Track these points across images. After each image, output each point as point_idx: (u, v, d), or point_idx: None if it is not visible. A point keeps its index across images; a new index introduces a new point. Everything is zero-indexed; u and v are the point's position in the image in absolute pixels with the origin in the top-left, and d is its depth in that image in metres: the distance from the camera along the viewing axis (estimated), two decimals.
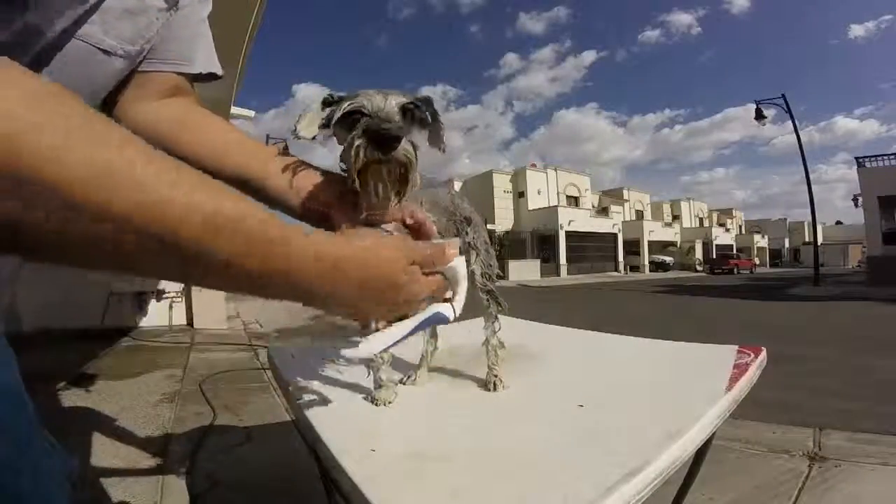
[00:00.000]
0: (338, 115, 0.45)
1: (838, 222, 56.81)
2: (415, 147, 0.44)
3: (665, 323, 7.05)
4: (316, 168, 0.50)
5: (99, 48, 0.39)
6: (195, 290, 4.97)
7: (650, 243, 33.43)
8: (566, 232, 27.15)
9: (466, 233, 0.75)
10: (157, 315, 5.30)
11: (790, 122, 16.33)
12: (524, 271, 22.90)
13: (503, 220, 29.10)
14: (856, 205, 16.74)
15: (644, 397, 0.69)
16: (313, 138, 0.46)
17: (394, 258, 0.37)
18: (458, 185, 28.41)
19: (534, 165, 32.69)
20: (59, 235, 0.22)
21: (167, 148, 0.49)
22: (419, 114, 0.47)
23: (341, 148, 0.46)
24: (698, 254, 37.08)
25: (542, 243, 27.57)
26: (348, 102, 0.45)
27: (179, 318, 5.42)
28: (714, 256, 34.11)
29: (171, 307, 5.38)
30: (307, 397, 0.71)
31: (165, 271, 0.27)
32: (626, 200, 37.93)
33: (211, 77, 0.54)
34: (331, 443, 0.56)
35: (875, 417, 2.29)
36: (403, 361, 0.86)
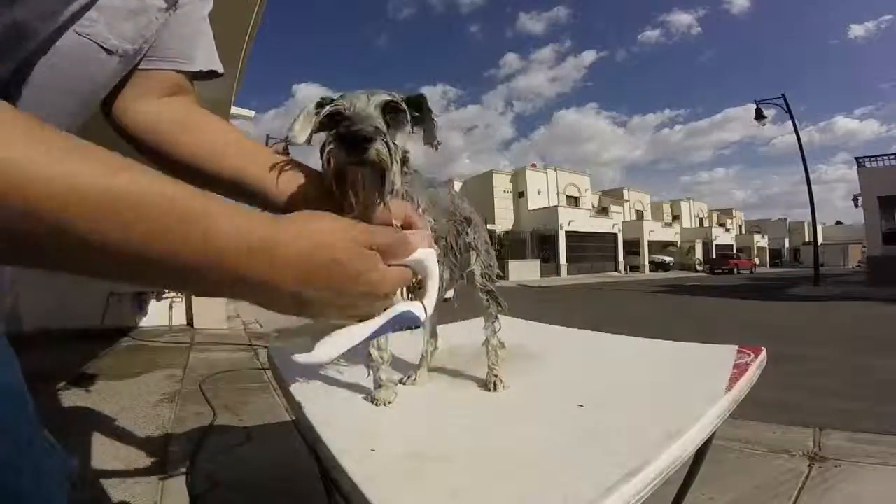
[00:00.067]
0: (319, 118, 0.44)
1: (838, 222, 56.85)
2: (391, 147, 0.41)
3: (665, 323, 7.05)
4: (305, 168, 0.49)
5: (103, 47, 0.39)
6: None
7: (650, 243, 33.44)
8: (566, 232, 27.16)
9: (467, 233, 0.75)
10: (157, 315, 5.31)
11: (790, 122, 16.34)
12: (524, 271, 22.91)
13: (503, 220, 29.10)
14: (856, 205, 16.75)
15: (644, 397, 0.69)
16: (307, 142, 0.45)
17: (347, 240, 0.32)
18: (458, 185, 28.43)
19: (534, 165, 32.71)
20: None
21: (167, 148, 0.49)
22: (403, 115, 0.45)
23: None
24: (698, 254, 37.09)
25: (542, 243, 27.57)
26: (330, 105, 0.44)
27: (179, 318, 5.43)
28: (714, 256, 34.11)
29: (171, 307, 5.39)
30: (307, 397, 0.71)
31: (58, 260, 0.24)
32: (626, 200, 37.93)
33: (212, 75, 0.54)
34: (331, 443, 0.56)
35: (875, 417, 2.29)
36: (403, 361, 0.87)
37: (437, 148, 0.49)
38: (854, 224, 41.28)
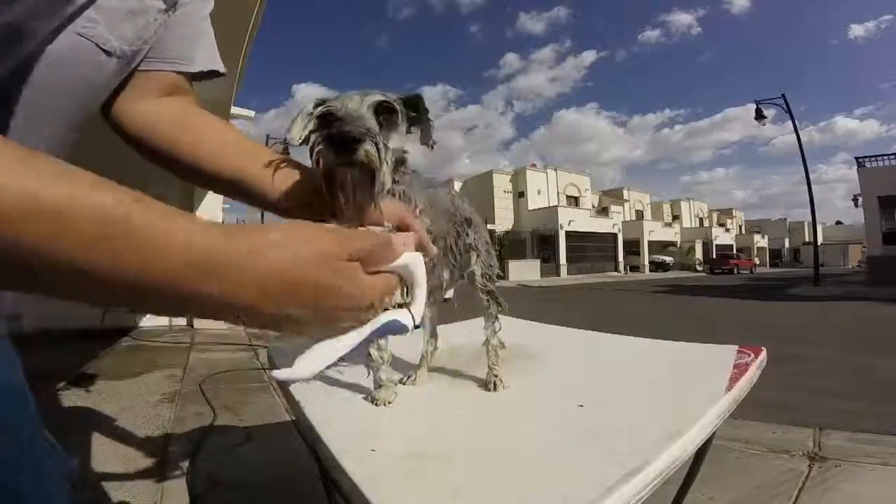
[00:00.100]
0: (313, 120, 0.44)
1: (838, 222, 56.86)
2: (380, 148, 0.41)
3: (665, 323, 7.05)
4: (302, 167, 0.48)
5: (103, 49, 0.39)
6: None
7: (650, 243, 33.44)
8: (566, 232, 27.16)
9: (467, 234, 0.75)
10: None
11: (790, 122, 16.34)
12: (524, 271, 22.91)
13: (503, 220, 29.11)
14: (856, 205, 16.75)
15: (644, 397, 0.70)
16: (303, 143, 0.45)
17: (317, 253, 0.29)
18: (458, 185, 28.44)
19: (534, 165, 32.72)
20: None
21: (166, 148, 0.49)
22: (397, 115, 0.45)
23: None
24: (698, 254, 37.09)
25: (542, 243, 27.57)
26: (323, 106, 0.44)
27: (179, 317, 5.42)
28: (714, 256, 34.12)
29: None
30: (307, 397, 0.71)
31: None
32: (626, 200, 37.95)
33: (213, 75, 0.54)
34: (331, 443, 0.56)
35: (875, 417, 2.29)
36: (403, 361, 0.87)
37: (432, 148, 0.48)
38: (854, 224, 41.30)
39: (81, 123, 0.43)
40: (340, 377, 0.81)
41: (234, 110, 5.27)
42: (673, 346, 0.96)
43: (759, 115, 16.49)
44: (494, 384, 0.75)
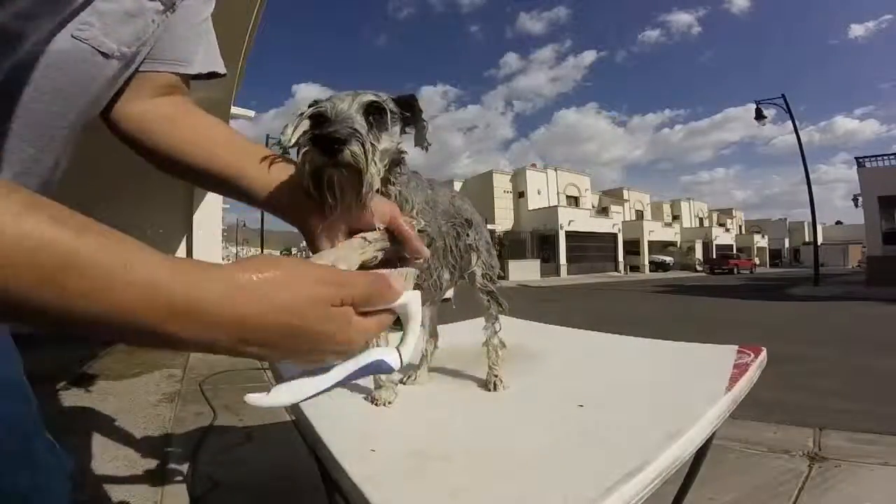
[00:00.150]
0: (303, 121, 0.44)
1: (838, 222, 56.82)
2: (367, 148, 0.40)
3: (665, 323, 7.05)
4: (293, 165, 0.48)
5: (99, 51, 0.39)
6: None
7: (650, 243, 33.42)
8: (566, 232, 27.15)
9: (468, 234, 0.75)
10: None
11: (790, 122, 16.34)
12: (524, 271, 22.89)
13: (503, 220, 29.09)
14: (856, 205, 16.73)
15: (644, 397, 0.70)
16: (295, 145, 0.44)
17: (308, 299, 0.29)
18: (458, 185, 28.44)
19: (534, 165, 32.71)
20: None
21: (158, 146, 0.49)
22: (388, 115, 0.45)
23: None
24: (698, 254, 37.07)
25: (542, 243, 27.57)
26: (314, 108, 0.44)
27: None
28: (714, 256, 34.07)
29: None
30: None
31: None
32: (626, 200, 37.93)
33: (212, 75, 0.54)
34: (331, 443, 0.56)
35: (875, 417, 2.29)
36: None
37: (426, 149, 0.48)
38: (854, 224, 41.29)
39: (83, 127, 0.43)
40: None
41: (234, 110, 5.28)
42: (673, 346, 0.96)
43: (759, 115, 16.48)
44: (494, 384, 0.75)
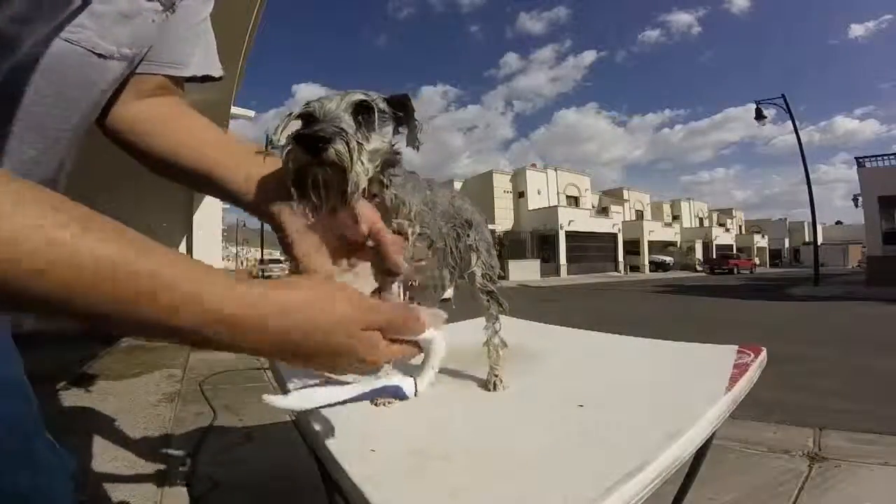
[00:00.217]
0: (291, 121, 0.43)
1: (838, 222, 56.84)
2: (352, 147, 0.40)
3: (665, 323, 7.05)
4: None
5: (94, 52, 0.38)
6: None
7: (650, 243, 33.44)
8: (566, 232, 27.16)
9: (468, 235, 0.74)
10: None
11: (790, 122, 16.36)
12: (524, 271, 22.90)
13: (503, 220, 29.10)
14: (856, 205, 16.72)
15: (644, 397, 0.69)
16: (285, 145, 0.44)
17: (344, 324, 0.32)
18: (458, 185, 28.42)
19: (534, 165, 32.73)
20: None
21: (151, 148, 0.49)
22: (378, 115, 0.44)
23: None
24: (698, 254, 37.09)
25: (542, 243, 27.58)
26: (303, 107, 0.43)
27: None
28: (714, 256, 34.09)
29: None
30: None
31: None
32: (626, 200, 37.94)
33: (208, 79, 0.54)
34: (331, 443, 0.56)
35: (875, 417, 2.29)
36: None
37: (418, 149, 0.47)
38: (854, 224, 41.31)
39: (86, 129, 0.43)
40: None
41: (235, 110, 5.28)
42: (673, 346, 0.96)
43: (759, 115, 16.50)
44: (494, 384, 0.75)
